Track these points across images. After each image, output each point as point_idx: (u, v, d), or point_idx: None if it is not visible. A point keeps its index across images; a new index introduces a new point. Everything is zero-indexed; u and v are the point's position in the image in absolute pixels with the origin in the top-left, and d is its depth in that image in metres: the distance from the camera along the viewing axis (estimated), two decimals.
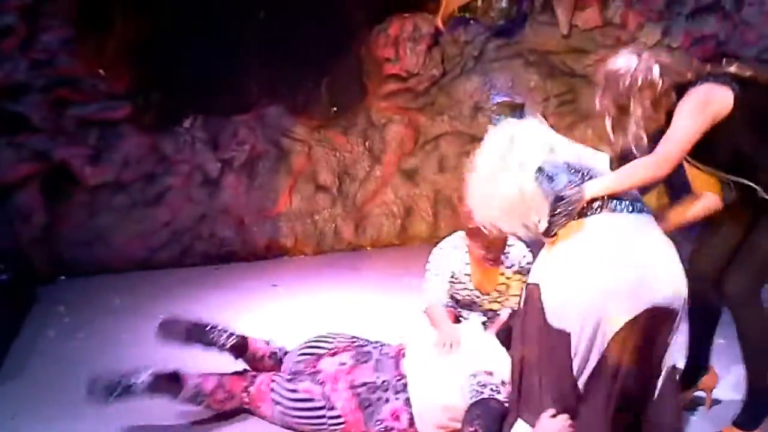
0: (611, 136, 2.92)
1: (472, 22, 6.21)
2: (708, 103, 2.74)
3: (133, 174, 5.27)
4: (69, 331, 4.19)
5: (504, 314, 3.30)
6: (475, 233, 3.28)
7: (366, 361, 3.06)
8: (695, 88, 2.78)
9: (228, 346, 3.34)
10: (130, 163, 5.25)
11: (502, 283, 3.50)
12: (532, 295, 2.65)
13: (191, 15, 5.29)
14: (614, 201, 2.70)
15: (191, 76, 5.36)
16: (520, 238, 3.32)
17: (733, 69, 2.83)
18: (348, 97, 5.86)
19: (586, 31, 6.13)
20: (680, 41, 6.21)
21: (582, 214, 2.66)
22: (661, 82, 2.80)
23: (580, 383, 2.60)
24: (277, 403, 3.03)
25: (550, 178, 2.72)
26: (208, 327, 3.36)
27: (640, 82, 2.81)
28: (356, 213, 5.91)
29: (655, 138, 2.83)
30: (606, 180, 2.75)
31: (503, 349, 2.96)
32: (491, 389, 2.80)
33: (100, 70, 5.17)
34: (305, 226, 5.74)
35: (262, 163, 5.65)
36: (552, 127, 3.03)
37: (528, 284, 2.74)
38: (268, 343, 3.43)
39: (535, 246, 3.09)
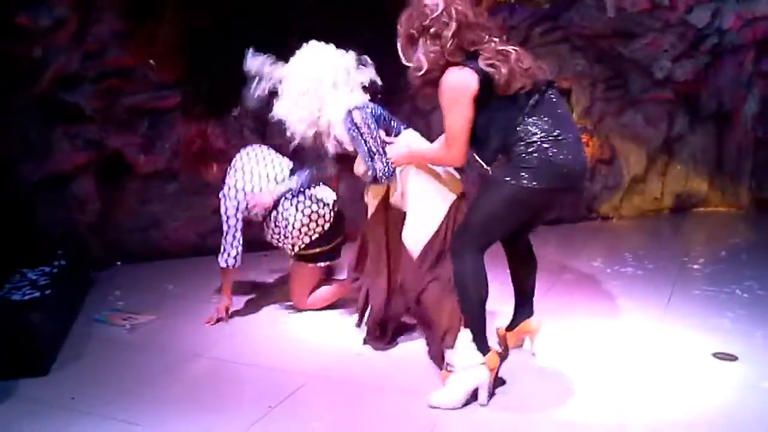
0: (401, 55, 3.25)
1: (517, 7, 6.16)
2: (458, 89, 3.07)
3: (184, 162, 5.36)
4: (122, 316, 4.30)
5: None
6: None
7: None
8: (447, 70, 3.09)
9: None
10: (181, 151, 5.34)
11: None
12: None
13: (240, 4, 5.34)
14: None
15: (240, 65, 5.40)
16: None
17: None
18: (392, 85, 5.86)
19: (634, 14, 6.04)
20: (731, 23, 6.10)
21: None
22: (451, 42, 3.07)
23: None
24: None
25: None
26: None
27: (433, 29, 3.09)
28: None
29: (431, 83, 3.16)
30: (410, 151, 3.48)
31: None
32: None
33: (151, 61, 5.26)
34: (351, 213, 5.76)
35: (308, 150, 5.68)
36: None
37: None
38: None
39: None
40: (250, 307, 4.43)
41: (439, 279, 3.42)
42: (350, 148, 3.64)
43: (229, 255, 4.05)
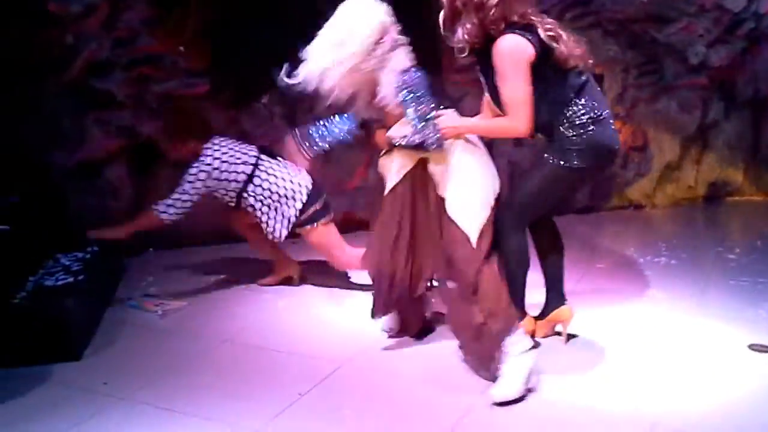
0: (441, 28, 3.29)
1: None
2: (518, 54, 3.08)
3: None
4: (155, 301, 4.33)
5: None
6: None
7: None
8: (502, 36, 3.09)
9: None
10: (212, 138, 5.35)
11: None
12: None
13: None
14: None
15: (269, 51, 5.40)
16: None
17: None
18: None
19: None
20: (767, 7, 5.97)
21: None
22: (494, 10, 3.07)
23: None
24: None
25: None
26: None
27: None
28: None
29: (477, 54, 3.22)
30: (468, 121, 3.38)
31: None
32: None
33: (180, 48, 5.27)
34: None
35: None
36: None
37: None
38: None
39: None
40: (281, 293, 4.44)
41: (493, 262, 3.26)
42: (395, 111, 3.34)
43: (170, 208, 4.12)
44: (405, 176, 3.39)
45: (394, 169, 3.44)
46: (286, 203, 4.23)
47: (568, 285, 3.68)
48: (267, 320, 4.06)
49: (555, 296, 3.60)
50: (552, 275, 3.58)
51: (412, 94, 3.22)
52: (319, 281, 4.56)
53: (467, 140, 3.32)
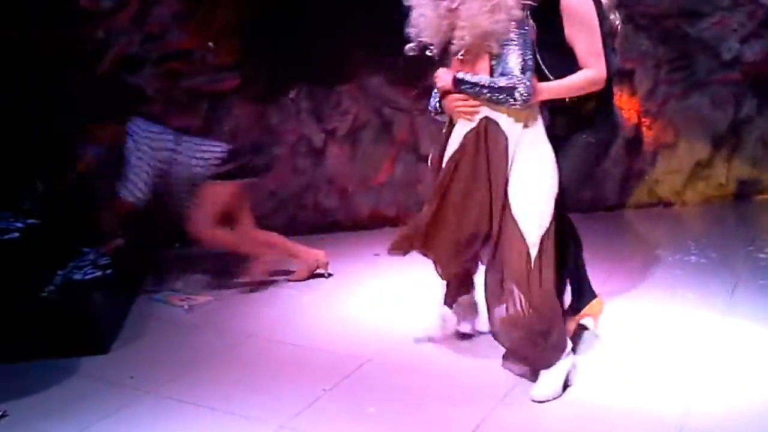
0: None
1: None
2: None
3: (242, 143, 5.40)
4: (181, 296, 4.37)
5: None
6: None
7: None
8: None
9: None
10: (238, 133, 5.39)
11: None
12: None
13: None
14: None
15: (296, 47, 5.42)
16: None
17: None
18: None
19: None
20: None
21: None
22: None
23: None
24: None
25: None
26: None
27: None
28: None
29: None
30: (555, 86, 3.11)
31: None
32: None
33: (210, 43, 5.30)
34: (407, 196, 5.75)
35: (364, 132, 5.68)
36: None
37: None
38: None
39: None
40: (306, 288, 4.46)
41: (548, 267, 3.04)
42: (494, 50, 2.99)
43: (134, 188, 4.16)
44: (470, 140, 3.09)
45: (454, 137, 3.17)
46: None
47: (596, 282, 3.64)
48: (292, 316, 4.08)
49: (587, 290, 3.56)
50: (577, 269, 3.55)
51: (522, 39, 2.98)
52: (343, 277, 4.55)
53: (540, 131, 3.13)
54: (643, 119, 6.06)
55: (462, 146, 3.11)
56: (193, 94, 5.30)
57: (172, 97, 5.23)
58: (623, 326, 3.74)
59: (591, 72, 3.12)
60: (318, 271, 4.61)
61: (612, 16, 3.26)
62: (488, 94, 2.99)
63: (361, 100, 5.65)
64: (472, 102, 3.07)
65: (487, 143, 3.06)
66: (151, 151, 4.20)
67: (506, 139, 3.04)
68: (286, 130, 5.53)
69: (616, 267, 4.63)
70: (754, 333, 3.69)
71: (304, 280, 4.56)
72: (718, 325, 3.80)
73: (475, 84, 3.01)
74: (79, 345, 3.57)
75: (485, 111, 3.06)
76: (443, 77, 3.13)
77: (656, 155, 6.15)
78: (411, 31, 3.15)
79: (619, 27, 3.30)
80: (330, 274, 4.63)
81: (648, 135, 6.09)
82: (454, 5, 2.97)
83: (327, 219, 5.63)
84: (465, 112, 3.09)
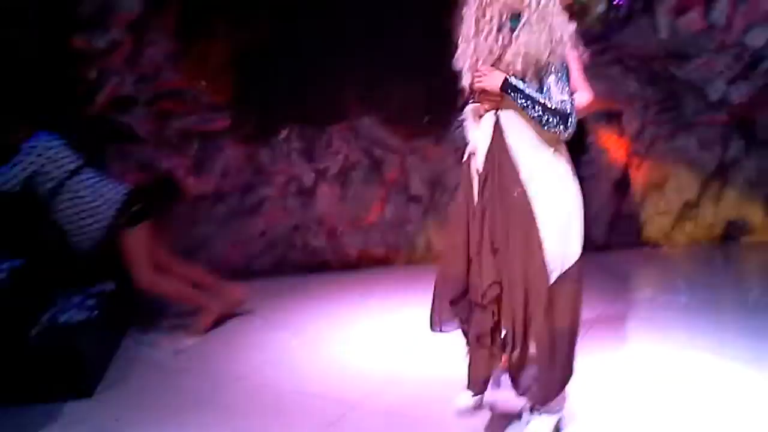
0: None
1: None
2: None
3: (232, 184, 5.43)
4: (168, 339, 4.35)
5: None
6: None
7: None
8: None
9: None
10: (229, 173, 5.41)
11: None
12: None
13: (288, 26, 5.39)
14: None
15: (288, 86, 5.47)
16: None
17: None
18: (440, 107, 5.85)
19: (689, 34, 5.91)
20: None
21: None
22: None
23: None
24: None
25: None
26: None
27: None
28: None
29: None
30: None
31: None
32: None
33: (202, 83, 5.34)
34: (397, 237, 5.76)
35: (355, 172, 5.70)
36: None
37: None
38: None
39: None
40: (294, 330, 4.43)
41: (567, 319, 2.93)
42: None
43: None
44: (487, 168, 2.92)
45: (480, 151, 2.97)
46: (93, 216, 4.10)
47: (584, 324, 3.62)
48: (280, 358, 4.06)
49: None
50: None
51: (561, 63, 2.85)
52: (333, 318, 4.54)
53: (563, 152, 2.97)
54: (631, 160, 6.10)
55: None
56: (185, 134, 5.32)
57: (163, 136, 5.25)
58: (613, 367, 3.73)
59: (587, 94, 3.34)
60: (234, 310, 4.53)
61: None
62: (539, 113, 2.80)
63: (352, 140, 5.69)
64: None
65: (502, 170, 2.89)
66: (44, 160, 4.04)
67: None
68: (276, 170, 5.55)
69: (605, 307, 4.62)
70: (743, 374, 3.68)
71: (217, 320, 4.45)
72: (708, 367, 3.79)
73: (529, 97, 2.81)
74: (64, 388, 3.54)
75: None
76: (492, 77, 2.87)
77: (645, 196, 6.18)
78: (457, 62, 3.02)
79: (586, 58, 3.46)
80: (246, 312, 4.57)
81: (636, 175, 6.12)
82: (515, 34, 2.85)
83: (316, 259, 5.63)
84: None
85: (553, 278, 2.87)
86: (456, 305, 3.04)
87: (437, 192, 5.85)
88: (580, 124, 3.18)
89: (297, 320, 4.59)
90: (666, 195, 6.23)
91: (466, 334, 3.10)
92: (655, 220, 6.23)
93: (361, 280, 5.14)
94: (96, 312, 3.95)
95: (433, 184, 5.84)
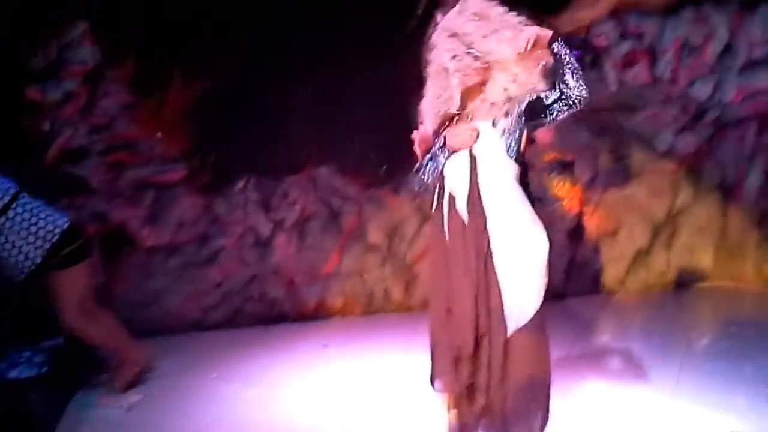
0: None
1: None
2: None
3: (187, 235, 5.37)
4: (122, 393, 4.22)
5: None
6: None
7: None
8: None
9: None
10: (184, 224, 5.35)
11: None
12: None
13: (245, 77, 5.41)
14: None
15: (245, 137, 5.47)
16: None
17: None
18: (398, 156, 5.89)
19: (636, 87, 6.09)
20: (731, 97, 6.13)
21: None
22: None
23: None
24: None
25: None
26: None
27: None
28: (406, 273, 5.88)
29: None
30: None
31: None
32: None
33: (158, 133, 5.32)
34: (355, 287, 5.73)
35: (312, 223, 5.69)
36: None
37: None
38: None
39: None
40: (249, 382, 4.35)
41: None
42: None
43: None
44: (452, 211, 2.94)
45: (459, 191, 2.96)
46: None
47: None
48: (234, 414, 3.96)
49: None
50: None
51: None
52: (289, 370, 4.47)
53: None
54: (585, 208, 6.21)
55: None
56: (139, 185, 5.27)
57: (116, 187, 5.19)
58: (571, 415, 3.72)
59: None
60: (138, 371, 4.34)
61: None
62: (571, 72, 2.92)
63: (310, 191, 5.69)
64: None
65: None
66: None
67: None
68: (233, 221, 5.50)
69: (562, 356, 4.64)
70: (704, 418, 3.71)
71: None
72: (666, 412, 3.81)
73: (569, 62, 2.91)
74: None
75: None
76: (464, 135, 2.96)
77: (599, 244, 6.28)
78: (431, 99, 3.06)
79: None
80: (149, 369, 4.44)
81: (590, 224, 6.22)
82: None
83: (273, 310, 5.57)
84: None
85: (511, 329, 2.86)
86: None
87: (395, 241, 5.87)
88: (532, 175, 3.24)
89: (253, 372, 4.51)
90: (619, 242, 6.34)
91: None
92: (610, 268, 6.32)
93: (319, 330, 5.08)
94: (46, 368, 3.84)
95: (391, 233, 5.86)
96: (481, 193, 2.90)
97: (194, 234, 5.39)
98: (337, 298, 5.71)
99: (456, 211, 2.94)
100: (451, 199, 2.96)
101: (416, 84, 5.35)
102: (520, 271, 2.89)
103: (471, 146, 2.92)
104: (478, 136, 2.92)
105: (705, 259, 6.48)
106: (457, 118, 3.03)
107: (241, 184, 5.55)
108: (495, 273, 2.87)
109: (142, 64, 5.23)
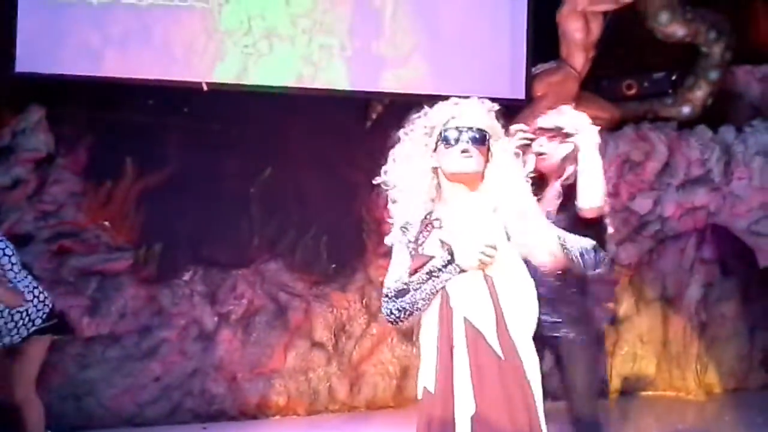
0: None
1: None
2: None
3: (129, 326, 5.25)
4: None
5: None
6: None
7: None
8: None
9: None
10: (126, 314, 5.25)
11: None
12: None
13: (196, 170, 5.46)
14: None
15: (193, 229, 5.47)
16: None
17: None
18: (347, 255, 5.93)
19: None
20: (671, 211, 6.37)
21: None
22: None
23: None
24: None
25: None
26: None
27: None
28: (351, 372, 5.81)
29: None
30: None
31: None
32: None
33: (105, 222, 5.29)
34: (299, 384, 5.63)
35: (258, 318, 5.62)
36: None
37: None
38: None
39: None
40: None
41: None
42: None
43: None
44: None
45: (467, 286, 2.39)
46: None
47: None
48: None
49: None
50: None
51: None
52: None
53: None
54: None
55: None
56: (82, 273, 5.18)
57: (59, 275, 5.09)
58: None
59: None
60: None
61: None
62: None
63: (257, 285, 5.65)
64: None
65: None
66: None
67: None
68: (177, 313, 5.41)
69: None
70: None
71: None
72: None
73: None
74: None
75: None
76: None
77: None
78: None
79: None
80: None
81: None
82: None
83: (213, 407, 5.41)
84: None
85: None
86: None
87: (341, 339, 5.82)
88: None
89: None
90: None
91: None
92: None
93: (260, 429, 4.94)
94: None
95: (337, 330, 5.82)
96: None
97: (136, 325, 5.27)
98: (281, 396, 5.59)
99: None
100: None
101: (366, 188, 5.47)
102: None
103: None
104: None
105: (648, 368, 6.56)
106: None
107: (187, 275, 5.50)
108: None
109: (95, 152, 5.25)
